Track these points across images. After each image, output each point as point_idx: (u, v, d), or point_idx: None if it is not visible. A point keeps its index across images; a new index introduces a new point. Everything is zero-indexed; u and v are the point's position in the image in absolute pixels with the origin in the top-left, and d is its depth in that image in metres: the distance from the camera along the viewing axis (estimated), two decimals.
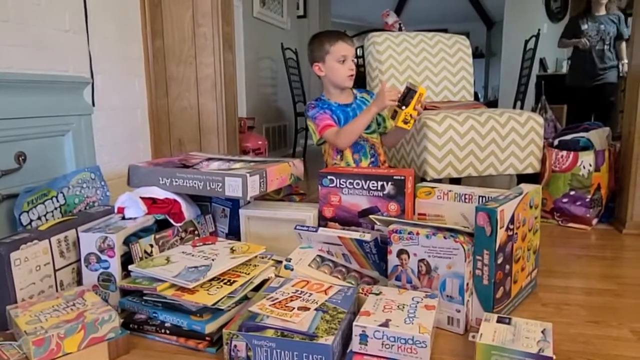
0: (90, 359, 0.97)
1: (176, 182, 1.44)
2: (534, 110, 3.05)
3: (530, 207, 1.24)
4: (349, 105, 1.71)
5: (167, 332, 1.08)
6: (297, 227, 1.33)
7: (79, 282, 1.22)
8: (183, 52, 2.43)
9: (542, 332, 0.98)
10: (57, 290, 1.17)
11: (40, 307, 1.03)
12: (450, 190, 1.36)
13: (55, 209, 1.29)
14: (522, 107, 3.53)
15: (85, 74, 1.97)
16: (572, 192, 1.97)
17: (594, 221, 1.98)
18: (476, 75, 2.93)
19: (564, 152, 2.00)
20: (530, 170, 2.12)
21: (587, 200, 1.94)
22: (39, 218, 1.23)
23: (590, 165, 1.94)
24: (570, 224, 1.98)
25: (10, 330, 1.03)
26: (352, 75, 1.65)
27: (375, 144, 1.76)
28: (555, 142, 2.11)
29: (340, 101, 1.71)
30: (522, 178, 2.09)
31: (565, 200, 1.99)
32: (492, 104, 5.45)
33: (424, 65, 2.66)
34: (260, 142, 3.29)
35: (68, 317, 0.98)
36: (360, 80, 3.10)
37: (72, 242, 1.21)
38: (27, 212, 1.20)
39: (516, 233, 1.16)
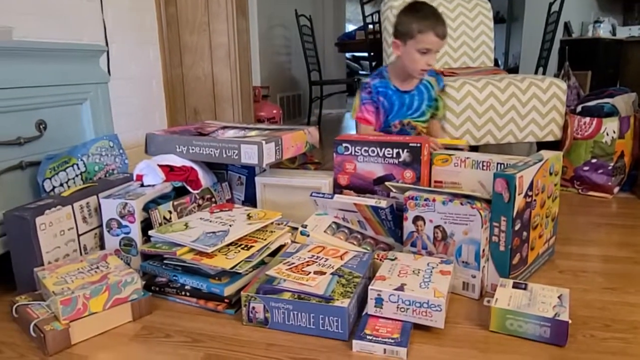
0: (114, 318, 1.01)
1: (193, 149, 1.45)
2: (556, 76, 2.97)
3: (550, 173, 1.22)
4: (408, 92, 1.57)
5: (187, 294, 1.11)
6: (313, 194, 1.34)
7: (102, 247, 1.26)
8: (196, 20, 2.41)
9: (559, 297, 0.98)
10: (80, 254, 1.20)
11: (65, 269, 1.06)
12: (467, 158, 1.34)
13: (77, 176, 1.31)
14: (544, 74, 3.43)
15: (100, 42, 1.97)
16: (593, 160, 1.93)
17: (616, 189, 1.94)
18: (497, 42, 2.84)
19: (587, 119, 1.95)
20: (550, 138, 2.08)
21: (609, 168, 1.90)
22: (61, 185, 1.26)
23: (614, 132, 1.89)
24: (591, 193, 1.95)
25: (38, 291, 1.07)
26: (426, 70, 1.50)
27: (422, 131, 1.69)
28: (578, 109, 2.06)
29: (400, 86, 1.58)
30: (542, 146, 2.05)
31: (586, 168, 1.95)
32: (513, 71, 5.31)
33: None
34: (274, 111, 3.28)
35: (92, 279, 1.02)
36: (377, 47, 3.04)
37: (93, 208, 1.23)
38: (50, 178, 1.22)
39: (535, 200, 1.15)
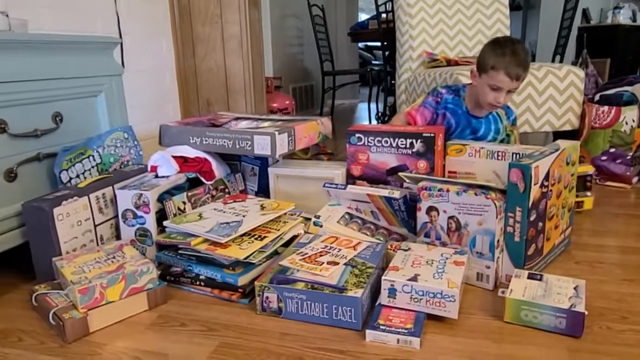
0: (131, 307, 1.02)
1: (206, 141, 1.46)
2: (574, 64, 2.91)
3: (567, 163, 1.20)
4: (477, 117, 1.56)
5: (202, 284, 1.12)
6: (326, 185, 1.34)
7: (118, 237, 1.27)
8: (209, 10, 2.41)
9: (575, 288, 0.97)
10: (97, 244, 1.22)
11: (83, 259, 1.08)
12: (482, 148, 1.33)
13: (92, 167, 1.33)
14: (561, 62, 3.37)
15: (114, 34, 1.98)
16: (612, 150, 1.90)
17: (634, 179, 1.91)
18: (513, 30, 2.79)
19: (605, 108, 1.91)
20: (567, 127, 2.05)
21: (628, 157, 1.87)
22: (78, 176, 1.28)
23: (634, 121, 1.85)
24: (609, 183, 1.92)
25: (57, 280, 1.09)
26: (495, 106, 1.49)
27: None
28: (597, 97, 2.02)
29: (472, 110, 1.57)
30: (559, 135, 2.02)
31: (604, 158, 1.92)
32: None
33: (457, 19, 2.56)
34: (287, 102, 3.28)
35: (109, 268, 1.03)
36: (390, 37, 3.01)
37: (109, 199, 1.25)
38: (67, 170, 1.24)
39: (551, 190, 1.13)
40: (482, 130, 1.59)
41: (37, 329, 0.99)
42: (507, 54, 1.40)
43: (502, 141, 1.63)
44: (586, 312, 0.89)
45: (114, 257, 1.09)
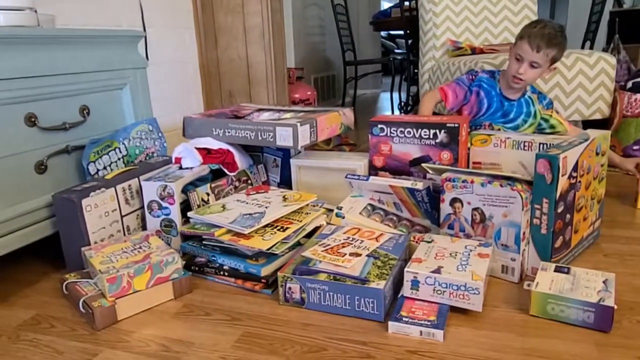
0: (157, 296, 1.05)
1: (229, 132, 1.47)
2: (605, 50, 2.82)
3: (597, 153, 1.17)
4: (510, 100, 1.57)
5: (226, 274, 1.14)
6: (348, 176, 1.33)
7: (144, 227, 1.30)
8: (230, 1, 2.41)
9: (604, 282, 0.94)
10: (124, 235, 1.25)
11: (111, 249, 1.11)
12: (508, 138, 1.30)
13: (119, 159, 1.36)
14: (591, 48, 3.26)
15: (138, 27, 2.01)
16: None
17: None
18: (540, 15, 2.71)
19: (638, 95, 1.85)
20: (598, 116, 1.99)
21: None
22: (105, 168, 1.31)
23: None
24: None
25: (86, 269, 1.12)
26: (518, 79, 1.50)
27: None
28: (629, 85, 1.95)
29: (505, 92, 1.58)
30: (589, 124, 1.97)
31: (636, 147, 1.86)
32: None
33: (482, 5, 2.50)
34: (309, 93, 3.27)
35: (136, 258, 1.06)
36: (413, 25, 2.97)
37: (135, 190, 1.28)
38: (94, 162, 1.27)
39: (579, 181, 1.11)
40: (513, 113, 1.58)
41: (68, 316, 1.02)
42: (536, 27, 1.45)
43: (540, 127, 1.62)
44: (615, 306, 0.87)
45: (140, 247, 1.11)
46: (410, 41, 3.55)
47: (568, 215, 1.10)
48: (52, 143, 1.19)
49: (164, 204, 1.25)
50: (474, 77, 1.63)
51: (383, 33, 6.48)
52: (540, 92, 1.65)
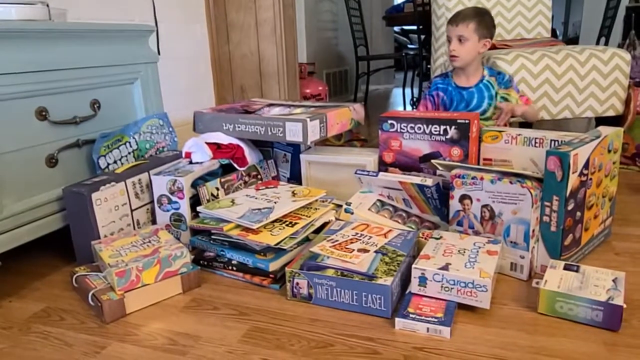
0: (165, 290, 1.06)
1: (239, 127, 1.47)
2: (620, 46, 2.77)
3: (609, 151, 1.15)
4: (466, 88, 1.65)
5: (234, 268, 1.14)
6: (358, 172, 1.33)
7: (153, 222, 1.31)
8: None
9: (614, 280, 0.93)
10: (134, 229, 1.26)
11: (120, 242, 1.12)
12: (519, 134, 1.29)
13: (129, 153, 1.37)
14: (606, 44, 3.21)
15: (149, 22, 2.01)
16: None
17: None
18: (555, 10, 2.67)
19: None
20: (611, 113, 1.95)
21: None
22: (115, 162, 1.32)
23: None
24: None
25: (95, 262, 1.14)
26: (453, 57, 1.62)
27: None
28: None
29: (459, 83, 1.67)
30: (602, 121, 1.93)
31: None
32: (572, 41, 4.99)
33: (496, 0, 2.47)
34: (320, 88, 3.26)
35: (145, 252, 1.07)
36: (426, 20, 2.94)
37: (145, 184, 1.29)
38: (104, 156, 1.28)
39: (590, 178, 1.09)
40: (476, 99, 1.64)
41: (78, 309, 1.04)
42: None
43: (490, 105, 1.66)
44: (625, 305, 0.86)
45: (149, 241, 1.12)
46: (423, 37, 3.51)
47: (578, 213, 1.08)
48: (62, 137, 1.21)
49: (174, 199, 1.25)
50: (430, 84, 1.76)
51: (396, 28, 6.43)
52: (500, 72, 1.69)
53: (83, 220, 1.15)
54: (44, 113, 1.15)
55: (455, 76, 1.69)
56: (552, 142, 1.22)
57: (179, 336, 0.92)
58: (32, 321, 1.00)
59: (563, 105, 1.95)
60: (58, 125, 1.19)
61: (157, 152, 1.47)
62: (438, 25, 2.53)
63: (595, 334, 0.87)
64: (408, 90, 3.81)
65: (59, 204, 1.18)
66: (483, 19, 1.60)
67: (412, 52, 3.99)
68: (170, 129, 1.52)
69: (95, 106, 1.29)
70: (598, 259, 1.16)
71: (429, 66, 3.21)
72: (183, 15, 2.27)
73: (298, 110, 1.57)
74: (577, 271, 0.98)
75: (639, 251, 1.19)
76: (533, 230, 1.05)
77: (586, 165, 1.06)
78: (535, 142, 1.26)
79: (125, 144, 1.35)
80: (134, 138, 1.38)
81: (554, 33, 3.47)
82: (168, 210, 1.27)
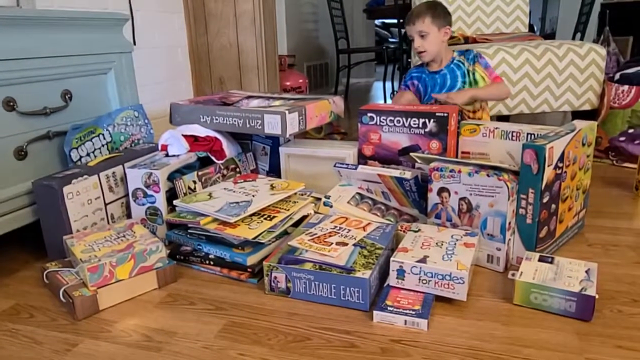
0: (140, 285, 1.04)
1: (216, 119, 1.45)
2: (595, 42, 2.81)
3: (583, 144, 1.17)
4: (438, 72, 1.70)
5: (211, 263, 1.13)
6: (337, 165, 1.32)
7: (128, 216, 1.28)
8: None
9: (586, 271, 0.95)
10: (108, 223, 1.23)
11: (93, 237, 1.09)
12: (496, 128, 1.30)
13: (103, 145, 1.33)
14: (582, 39, 3.26)
15: (125, 11, 1.96)
16: (630, 130, 1.84)
17: None
18: (533, 6, 2.70)
19: (626, 87, 1.85)
20: (587, 107, 1.99)
21: None
22: (88, 154, 1.28)
23: None
24: (626, 164, 1.87)
25: (67, 258, 1.11)
26: (421, 53, 1.66)
27: (466, 112, 1.70)
28: (617, 76, 1.96)
29: (431, 68, 1.73)
30: (578, 115, 1.97)
31: (622, 138, 1.86)
32: (549, 37, 5.07)
33: None
34: (301, 81, 3.24)
35: (119, 247, 1.04)
36: (406, 13, 2.94)
37: (119, 177, 1.26)
38: (76, 148, 1.25)
39: (565, 171, 1.11)
40: (449, 80, 1.68)
41: (49, 306, 1.01)
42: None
43: (465, 83, 1.69)
44: (597, 296, 0.87)
45: (123, 236, 1.10)
46: (403, 30, 3.52)
47: (553, 206, 1.10)
48: (32, 128, 1.17)
49: (149, 192, 1.23)
50: (405, 76, 1.82)
51: (377, 21, 6.43)
52: (467, 49, 1.73)
53: (54, 215, 1.12)
54: (11, 103, 1.11)
55: (428, 65, 1.75)
56: (529, 136, 1.24)
57: (154, 332, 0.90)
58: (1, 319, 0.97)
59: (542, 99, 1.98)
60: (27, 116, 1.15)
61: (132, 145, 1.44)
62: None
63: (569, 324, 0.88)
64: (389, 84, 3.82)
65: (29, 197, 1.15)
66: (436, 11, 1.66)
67: (392, 46, 4.00)
68: (146, 121, 1.49)
69: (67, 97, 1.25)
70: (572, 250, 1.18)
71: (409, 60, 3.22)
72: (160, 4, 2.22)
73: (277, 103, 1.56)
74: (551, 263, 0.99)
75: (611, 242, 1.22)
76: (509, 223, 1.06)
77: (561, 159, 1.07)
78: (512, 136, 1.27)
79: (98, 136, 1.32)
80: (107, 130, 1.35)
81: (531, 28, 3.51)
82: (143, 204, 1.24)
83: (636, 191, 1.56)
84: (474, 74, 1.66)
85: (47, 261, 1.11)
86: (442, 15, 1.66)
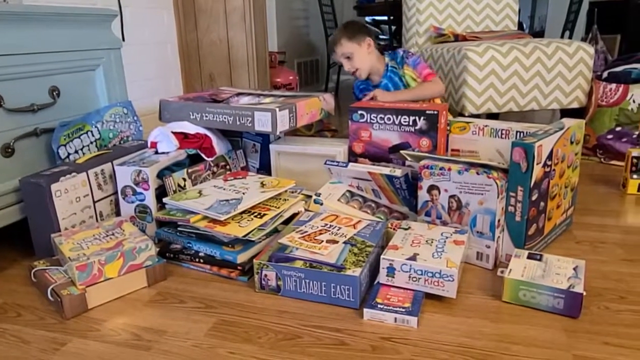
0: (130, 284, 1.03)
1: (206, 117, 1.44)
2: (583, 40, 2.84)
3: (571, 142, 1.18)
4: (378, 83, 1.77)
5: (201, 261, 1.12)
6: (327, 162, 1.32)
7: (117, 213, 1.27)
8: None
9: (574, 269, 0.96)
10: (97, 221, 1.22)
11: (82, 235, 1.08)
12: (486, 126, 1.31)
13: (91, 143, 1.32)
14: (570, 38, 3.29)
15: (114, 6, 1.94)
16: (617, 128, 1.86)
17: None
18: (522, 4, 2.72)
19: (613, 85, 1.87)
20: (575, 105, 2.01)
21: (634, 136, 1.84)
22: (76, 152, 1.27)
23: None
24: (614, 162, 1.89)
25: (55, 256, 1.09)
26: (354, 73, 1.74)
27: None
28: (604, 75, 1.98)
29: (373, 81, 1.80)
30: (566, 113, 1.99)
31: (609, 136, 1.89)
32: (538, 35, 5.10)
33: None
34: (291, 77, 3.23)
35: (108, 245, 1.03)
36: (397, 11, 2.94)
37: (108, 175, 1.25)
38: (65, 145, 1.23)
39: (554, 169, 1.12)
40: (391, 88, 1.74)
41: (36, 305, 1.00)
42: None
43: (405, 87, 1.74)
44: (584, 293, 0.88)
45: (112, 234, 1.09)
46: (394, 27, 3.53)
47: (542, 203, 1.11)
48: (19, 125, 1.15)
49: (139, 190, 1.22)
50: (354, 90, 1.90)
51: (367, 18, 6.43)
52: (394, 51, 1.79)
53: (42, 213, 1.11)
54: None
55: (369, 78, 1.80)
56: (518, 134, 1.24)
57: (143, 331, 0.90)
58: None
59: (531, 97, 1.99)
60: (14, 112, 1.13)
61: (121, 142, 1.43)
62: (409, 16, 2.54)
63: (557, 320, 0.89)
64: None
65: (16, 195, 1.13)
66: (347, 30, 1.71)
67: (383, 43, 4.00)
68: (135, 118, 1.48)
69: (54, 93, 1.23)
70: (560, 247, 1.19)
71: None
72: (149, 0, 2.20)
73: (267, 100, 1.55)
74: (540, 260, 1.00)
75: (598, 240, 1.23)
76: (498, 220, 1.07)
77: (550, 157, 1.08)
78: (502, 134, 1.28)
79: (86, 133, 1.30)
80: (96, 127, 1.33)
81: (520, 26, 3.54)
82: (133, 202, 1.23)
83: (623, 189, 1.59)
84: (403, 76, 1.69)
85: (34, 259, 1.10)
86: (357, 31, 1.71)
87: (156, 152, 1.35)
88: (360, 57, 1.70)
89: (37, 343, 0.87)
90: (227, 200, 1.18)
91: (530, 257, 1.01)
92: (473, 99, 1.97)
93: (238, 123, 1.40)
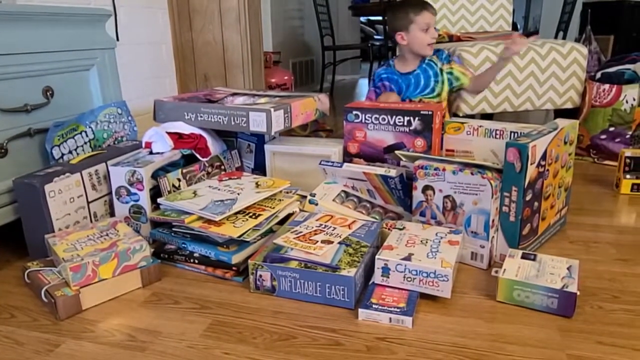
0: (124, 284, 1.02)
1: (201, 117, 1.44)
2: (577, 41, 2.86)
3: (565, 142, 1.19)
4: (410, 72, 1.72)
5: (196, 261, 1.12)
6: (322, 163, 1.32)
7: (112, 214, 1.27)
8: None
9: (568, 268, 0.96)
10: (91, 221, 1.22)
11: (76, 236, 1.08)
12: (480, 126, 1.31)
13: (85, 143, 1.31)
14: (564, 38, 3.31)
15: (108, 6, 1.93)
16: (611, 129, 1.87)
17: None
18: (516, 4, 2.73)
19: (606, 86, 1.88)
20: (569, 105, 2.02)
21: (627, 137, 1.85)
22: (70, 152, 1.26)
23: (634, 100, 1.83)
24: (607, 162, 1.90)
25: (49, 257, 1.09)
26: (431, 45, 1.68)
27: None
28: (598, 75, 1.99)
29: (403, 70, 1.74)
30: (560, 113, 2.00)
31: (603, 136, 1.90)
32: (532, 35, 5.13)
33: None
34: (286, 77, 3.23)
35: (102, 246, 1.03)
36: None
37: (102, 175, 1.24)
38: (58, 146, 1.23)
39: (548, 169, 1.12)
40: (423, 80, 1.71)
41: (30, 306, 0.99)
42: (418, 3, 1.67)
43: (450, 84, 1.70)
44: (578, 292, 0.89)
45: (107, 235, 1.09)
46: (389, 27, 3.53)
47: (536, 203, 1.11)
48: (12, 125, 1.14)
49: (133, 190, 1.21)
50: (374, 77, 1.82)
51: (362, 18, 6.44)
52: (438, 49, 1.75)
53: (35, 213, 1.10)
54: None
55: (398, 65, 1.75)
56: (512, 134, 1.25)
57: (138, 332, 0.89)
58: None
59: (525, 97, 2.00)
60: (7, 113, 1.13)
61: (116, 142, 1.42)
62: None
63: (551, 320, 0.90)
64: None
65: (10, 196, 1.13)
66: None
67: (378, 43, 4.01)
68: (130, 118, 1.47)
69: (48, 93, 1.23)
70: (554, 247, 1.19)
71: (395, 56, 3.23)
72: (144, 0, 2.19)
73: (262, 100, 1.55)
74: (534, 260, 1.01)
75: (592, 239, 1.24)
76: (493, 220, 1.08)
77: (544, 157, 1.09)
78: (496, 134, 1.28)
79: (80, 133, 1.30)
80: (90, 127, 1.33)
81: (515, 26, 3.55)
82: (127, 202, 1.23)
83: (616, 188, 1.60)
84: (451, 73, 1.68)
85: (28, 260, 1.09)
86: (394, 19, 1.69)
87: (151, 153, 1.35)
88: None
89: (30, 344, 0.87)
90: (221, 201, 1.17)
91: (524, 257, 1.02)
92: (468, 99, 1.97)
93: (233, 123, 1.40)
